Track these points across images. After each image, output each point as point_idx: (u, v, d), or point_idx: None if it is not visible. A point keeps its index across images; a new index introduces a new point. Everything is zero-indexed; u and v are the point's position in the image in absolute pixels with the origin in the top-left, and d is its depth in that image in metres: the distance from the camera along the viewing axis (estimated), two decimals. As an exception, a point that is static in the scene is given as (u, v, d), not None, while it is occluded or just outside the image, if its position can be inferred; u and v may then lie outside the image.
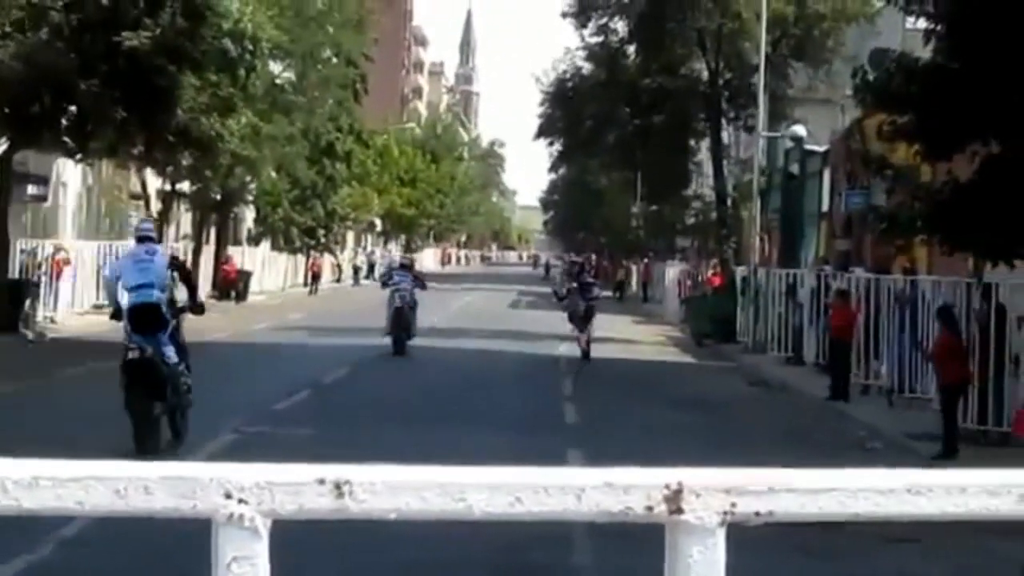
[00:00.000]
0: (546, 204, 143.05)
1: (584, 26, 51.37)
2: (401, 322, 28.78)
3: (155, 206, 43.15)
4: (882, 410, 21.54)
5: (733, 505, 1.75)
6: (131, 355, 14.58)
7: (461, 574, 10.30)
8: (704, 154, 56.86)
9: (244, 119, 35.48)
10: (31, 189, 37.62)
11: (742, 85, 47.17)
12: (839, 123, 42.24)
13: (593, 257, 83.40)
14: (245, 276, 50.34)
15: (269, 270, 59.78)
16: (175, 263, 16.40)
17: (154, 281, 14.74)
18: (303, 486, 1.71)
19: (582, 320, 30.13)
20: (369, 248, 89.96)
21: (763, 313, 33.58)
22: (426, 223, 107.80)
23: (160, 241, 16.23)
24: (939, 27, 18.73)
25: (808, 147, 38.65)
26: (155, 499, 1.70)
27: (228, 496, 1.70)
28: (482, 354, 30.50)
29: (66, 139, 29.92)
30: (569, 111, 55.46)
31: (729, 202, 49.42)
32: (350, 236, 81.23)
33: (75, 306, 35.19)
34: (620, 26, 51.21)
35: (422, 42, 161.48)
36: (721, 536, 1.76)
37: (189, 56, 28.48)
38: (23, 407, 18.07)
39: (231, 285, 48.26)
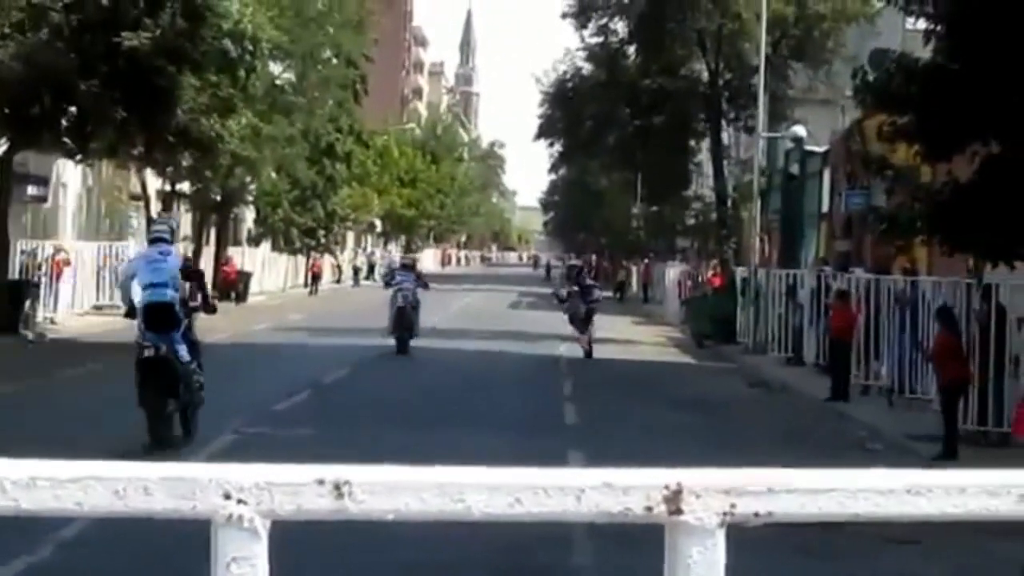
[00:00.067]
0: (546, 205, 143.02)
1: (584, 27, 51.45)
2: (404, 322, 28.82)
3: (155, 207, 43.11)
4: (882, 411, 21.53)
5: (733, 506, 1.75)
6: (146, 353, 14.82)
7: (461, 575, 10.29)
8: (704, 155, 56.86)
9: (244, 120, 35.46)
10: (31, 190, 37.63)
11: (742, 86, 47.19)
12: (839, 124, 42.25)
13: (593, 258, 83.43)
14: (245, 277, 50.32)
15: (269, 271, 59.76)
16: (192, 274, 16.44)
17: (167, 280, 14.96)
18: (302, 487, 1.71)
19: (583, 323, 30.43)
20: (369, 249, 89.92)
21: (763, 314, 33.58)
22: (426, 224, 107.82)
23: (175, 239, 16.37)
24: (939, 27, 18.74)
25: (808, 148, 38.65)
26: (154, 500, 1.70)
27: (227, 497, 1.70)
28: (482, 355, 30.50)
29: (66, 140, 29.92)
30: (569, 112, 55.46)
31: (729, 203, 49.42)
32: (350, 237, 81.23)
33: (75, 307, 35.21)
34: (620, 27, 51.33)
35: (422, 42, 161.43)
36: (721, 537, 1.75)
37: (189, 57, 28.49)
38: (23, 407, 18.10)
39: (231, 286, 48.21)
